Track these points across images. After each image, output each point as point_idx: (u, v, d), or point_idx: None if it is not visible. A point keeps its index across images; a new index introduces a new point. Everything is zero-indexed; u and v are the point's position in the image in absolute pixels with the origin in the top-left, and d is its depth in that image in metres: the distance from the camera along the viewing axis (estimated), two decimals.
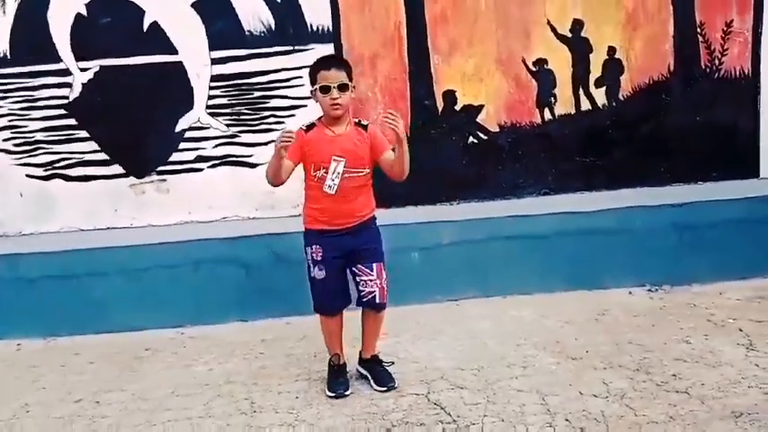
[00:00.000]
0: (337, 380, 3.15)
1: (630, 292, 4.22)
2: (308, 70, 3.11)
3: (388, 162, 3.03)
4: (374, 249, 3.12)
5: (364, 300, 3.13)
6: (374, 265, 3.10)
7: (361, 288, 3.12)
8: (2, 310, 4.17)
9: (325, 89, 2.94)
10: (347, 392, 3.10)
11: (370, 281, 3.09)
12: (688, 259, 4.26)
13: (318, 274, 3.08)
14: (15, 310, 4.17)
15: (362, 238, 3.09)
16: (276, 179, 2.99)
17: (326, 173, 2.98)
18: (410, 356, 3.48)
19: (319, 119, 3.08)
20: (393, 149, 2.99)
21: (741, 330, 3.54)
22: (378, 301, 3.12)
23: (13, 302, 4.16)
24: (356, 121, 3.11)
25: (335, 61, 3.10)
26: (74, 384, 3.50)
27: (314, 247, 3.06)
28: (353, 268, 3.11)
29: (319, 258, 3.06)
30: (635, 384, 3.02)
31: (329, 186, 2.99)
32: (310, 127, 3.06)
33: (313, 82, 3.01)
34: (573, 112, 4.24)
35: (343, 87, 2.95)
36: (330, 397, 3.08)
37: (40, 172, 4.18)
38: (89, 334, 4.12)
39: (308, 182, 3.07)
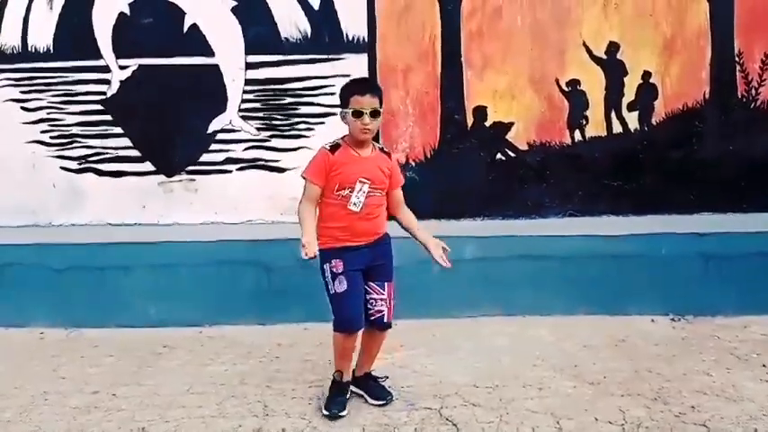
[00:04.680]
0: (337, 398, 3.08)
1: (653, 320, 4.16)
2: (339, 90, 3.07)
3: (394, 199, 3.13)
4: (387, 267, 3.12)
5: (371, 318, 3.08)
6: (386, 284, 3.09)
7: (369, 306, 3.08)
8: (28, 299, 4.25)
9: (358, 114, 2.93)
10: (342, 413, 3.03)
11: (381, 300, 3.08)
12: (713, 290, 4.18)
13: (339, 287, 2.98)
14: (41, 300, 4.25)
15: (378, 252, 3.07)
16: None
17: (351, 192, 2.97)
18: (425, 370, 3.47)
19: (343, 138, 3.06)
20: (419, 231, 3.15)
21: (765, 366, 3.47)
22: (385, 320, 3.10)
23: (40, 292, 4.24)
24: (380, 147, 3.14)
25: (370, 86, 3.07)
26: (92, 376, 3.55)
27: (333, 261, 2.98)
28: (365, 286, 3.08)
29: (339, 271, 2.99)
30: (652, 414, 2.97)
31: (354, 204, 2.97)
32: (335, 147, 3.02)
33: (345, 104, 2.99)
34: (604, 134, 4.21)
35: (374, 114, 2.95)
36: (326, 416, 3.01)
37: (73, 165, 4.27)
38: (110, 327, 4.18)
39: (327, 200, 3.01)
